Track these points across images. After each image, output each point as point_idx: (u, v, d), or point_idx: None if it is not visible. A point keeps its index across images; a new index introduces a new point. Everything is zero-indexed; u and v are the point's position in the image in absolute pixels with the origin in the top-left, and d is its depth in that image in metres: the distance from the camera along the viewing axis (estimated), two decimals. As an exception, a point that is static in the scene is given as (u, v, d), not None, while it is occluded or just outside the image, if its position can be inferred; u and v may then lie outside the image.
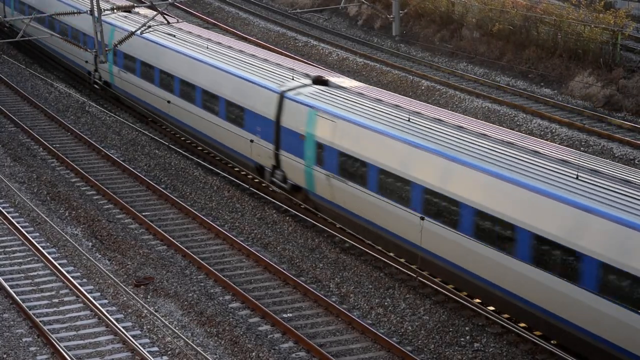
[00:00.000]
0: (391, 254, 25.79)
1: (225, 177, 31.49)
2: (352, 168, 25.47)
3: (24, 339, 21.66)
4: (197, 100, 32.53)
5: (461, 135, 23.41)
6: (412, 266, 24.98)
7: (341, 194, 25.99)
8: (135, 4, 37.17)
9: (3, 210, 28.73)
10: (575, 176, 20.27)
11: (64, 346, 21.16)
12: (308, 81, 28.79)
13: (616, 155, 33.58)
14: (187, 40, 34.68)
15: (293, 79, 29.05)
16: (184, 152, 33.41)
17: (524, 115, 37.70)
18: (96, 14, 30.86)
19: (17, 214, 28.97)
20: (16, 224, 27.74)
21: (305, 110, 27.19)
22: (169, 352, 21.09)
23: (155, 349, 21.27)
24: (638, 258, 17.88)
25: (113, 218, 28.95)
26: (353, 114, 26.00)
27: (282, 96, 28.34)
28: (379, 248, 26.13)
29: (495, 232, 21.16)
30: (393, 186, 24.09)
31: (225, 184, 31.55)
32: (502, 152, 22.21)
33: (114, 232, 27.72)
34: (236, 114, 30.41)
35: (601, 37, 41.57)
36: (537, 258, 20.07)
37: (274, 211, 29.37)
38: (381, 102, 26.65)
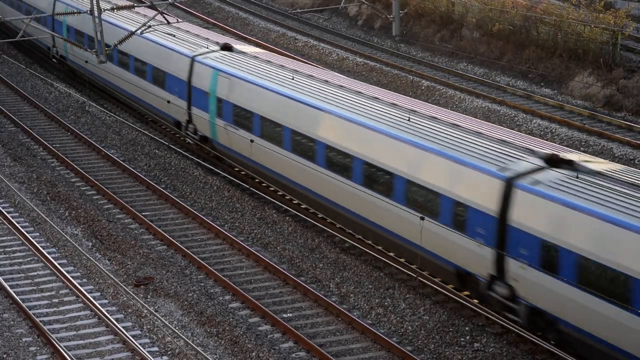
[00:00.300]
0: (392, 254, 25.84)
1: (225, 177, 31.50)
2: (241, 118, 30.18)
3: (24, 339, 21.66)
4: (130, 68, 36.87)
5: (327, 89, 28.15)
6: (412, 266, 25.02)
7: (235, 140, 30.72)
8: (135, 4, 37.27)
9: (3, 210, 28.73)
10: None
11: (64, 346, 21.16)
12: (216, 47, 33.21)
13: (616, 155, 33.57)
14: (125, 16, 38.59)
15: (203, 46, 33.36)
16: (184, 152, 33.44)
17: (524, 115, 37.70)
18: (96, 13, 30.89)
19: (17, 214, 28.97)
20: (16, 224, 27.74)
21: (210, 71, 31.70)
22: (169, 352, 21.09)
23: (155, 349, 21.27)
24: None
25: (113, 218, 28.96)
26: (243, 72, 30.65)
27: (193, 60, 32.70)
28: (380, 248, 26.18)
29: (331, 158, 26.35)
30: (270, 130, 28.84)
31: (225, 184, 31.55)
32: (357, 100, 27.01)
33: (114, 232, 27.72)
34: (159, 77, 34.80)
35: (601, 37, 41.56)
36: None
37: (274, 211, 29.38)
38: (270, 64, 31.34)
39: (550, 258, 19.97)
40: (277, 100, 28.63)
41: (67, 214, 29.14)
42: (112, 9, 32.13)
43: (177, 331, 20.18)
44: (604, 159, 23.76)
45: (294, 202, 29.34)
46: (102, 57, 31.72)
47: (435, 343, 22.08)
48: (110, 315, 22.56)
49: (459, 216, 22.17)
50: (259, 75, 30.11)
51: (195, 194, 31.01)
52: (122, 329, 21.84)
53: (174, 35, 34.56)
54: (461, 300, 23.35)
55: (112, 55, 37.30)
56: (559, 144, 34.18)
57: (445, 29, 49.10)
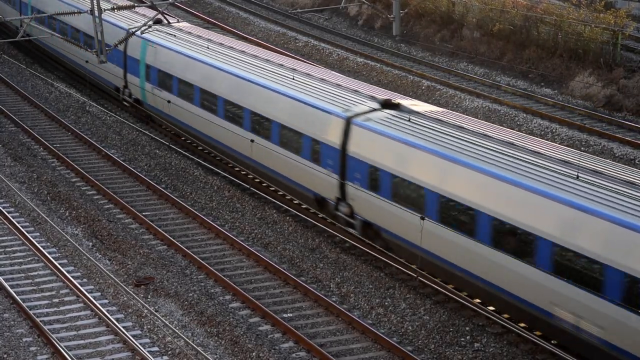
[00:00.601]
0: (391, 255, 25.86)
1: (226, 177, 31.51)
2: (165, 81, 34.77)
3: (24, 339, 21.66)
4: (80, 41, 41.09)
5: (229, 53, 32.98)
6: (412, 266, 25.02)
7: (160, 100, 35.33)
8: (135, 4, 37.41)
9: (3, 210, 28.73)
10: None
11: (65, 346, 21.16)
12: (149, 22, 36.37)
13: (616, 155, 33.57)
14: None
15: (138, 22, 37.07)
16: (184, 152, 33.43)
17: (524, 115, 37.70)
18: (96, 13, 30.92)
19: (17, 214, 28.97)
20: (16, 224, 27.74)
21: (140, 41, 36.16)
22: (169, 352, 21.09)
23: (156, 348, 21.27)
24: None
25: (113, 218, 28.96)
26: (165, 41, 35.24)
27: (128, 32, 35.78)
28: (381, 248, 26.19)
29: (228, 110, 31.25)
30: (186, 91, 33.51)
31: (226, 184, 31.55)
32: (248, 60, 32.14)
33: (114, 232, 27.73)
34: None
35: (601, 37, 41.55)
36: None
37: (274, 211, 29.38)
38: (190, 34, 35.77)
39: (374, 179, 24.97)
40: (189, 64, 33.43)
41: (67, 214, 29.14)
42: (112, 9, 32.19)
43: (177, 331, 20.20)
44: (604, 159, 23.90)
45: (295, 202, 29.38)
46: (102, 57, 31.75)
47: (436, 343, 22.08)
48: (111, 315, 22.56)
49: (315, 151, 27.07)
50: (178, 44, 34.80)
51: (196, 194, 31.02)
52: (122, 329, 21.84)
53: (120, 15, 38.88)
54: (461, 300, 23.36)
55: (67, 30, 42.61)
56: (559, 143, 34.21)
57: (445, 29, 49.10)
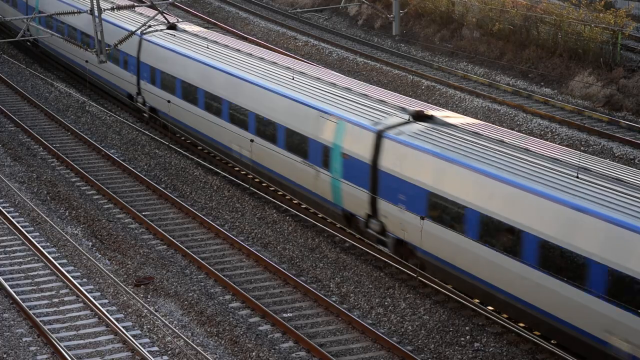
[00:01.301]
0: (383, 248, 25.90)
1: (225, 177, 31.51)
2: (54, 23, 43.78)
3: (24, 339, 21.66)
4: (19, 7, 49.68)
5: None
6: (412, 266, 25.02)
7: (60, 44, 43.59)
8: (136, 4, 37.47)
9: (3, 210, 28.72)
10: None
11: (64, 346, 21.16)
12: None
13: (616, 155, 33.56)
14: None
15: None
16: (184, 152, 33.44)
17: (524, 115, 37.69)
18: (96, 13, 30.91)
19: (17, 214, 28.96)
20: (16, 224, 27.73)
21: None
22: (169, 352, 21.09)
23: (155, 348, 21.27)
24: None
25: (113, 218, 28.95)
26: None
27: None
28: (380, 249, 26.21)
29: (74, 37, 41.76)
30: (57, 26, 43.20)
31: (225, 184, 31.55)
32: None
33: (114, 231, 27.72)
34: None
35: (601, 37, 41.54)
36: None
37: (274, 211, 29.38)
38: None
39: (153, 76, 35.59)
40: (59, 6, 41.76)
41: (67, 214, 29.14)
42: (112, 9, 32.19)
43: (177, 331, 20.20)
44: (604, 158, 24.03)
45: (295, 201, 29.38)
46: (102, 57, 31.74)
47: (436, 343, 22.08)
48: (110, 315, 22.56)
49: (125, 61, 37.62)
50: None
51: (196, 193, 31.02)
52: (122, 328, 21.84)
53: None
54: (461, 300, 23.37)
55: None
56: (558, 143, 34.21)
57: (445, 28, 49.09)
